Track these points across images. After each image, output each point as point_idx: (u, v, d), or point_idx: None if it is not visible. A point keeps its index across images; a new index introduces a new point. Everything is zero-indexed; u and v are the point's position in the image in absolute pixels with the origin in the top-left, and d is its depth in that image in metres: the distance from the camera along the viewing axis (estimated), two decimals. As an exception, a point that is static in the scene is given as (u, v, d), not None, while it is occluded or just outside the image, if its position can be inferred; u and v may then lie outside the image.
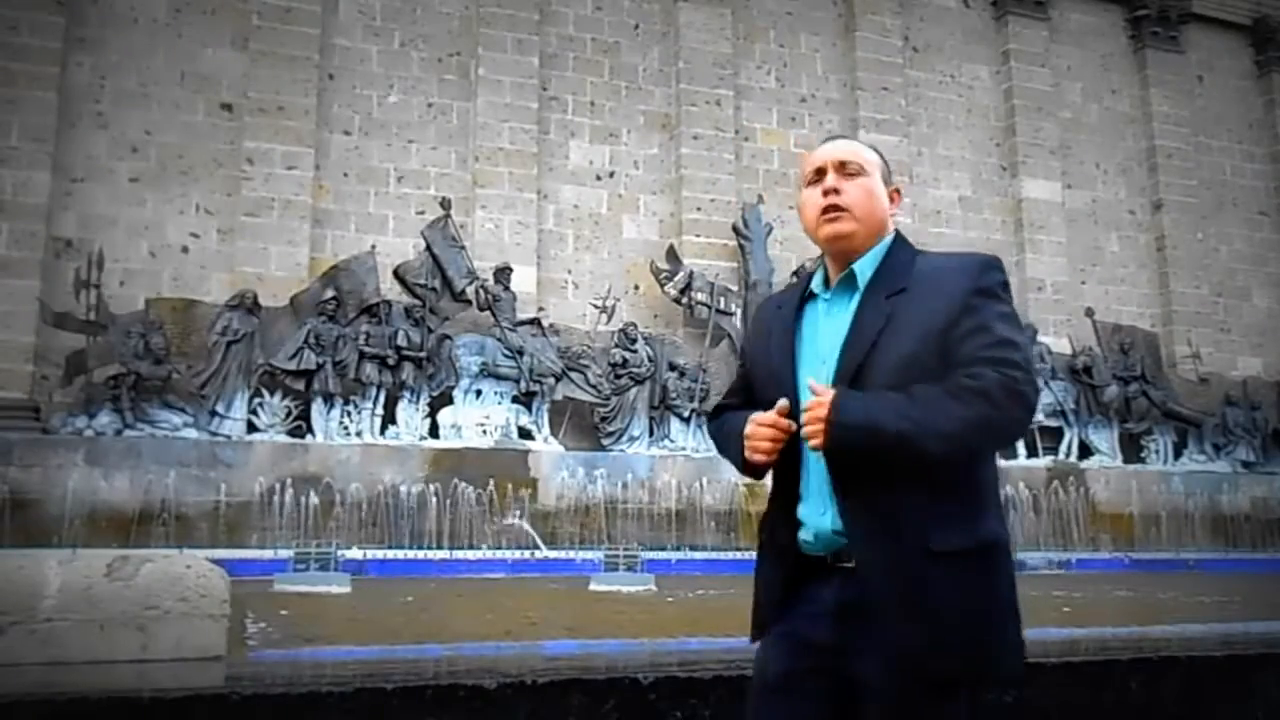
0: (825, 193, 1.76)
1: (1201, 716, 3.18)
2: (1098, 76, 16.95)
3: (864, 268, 1.76)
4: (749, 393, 1.85)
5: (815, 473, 1.70)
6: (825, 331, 1.75)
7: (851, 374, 1.66)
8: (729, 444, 1.80)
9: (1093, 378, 14.47)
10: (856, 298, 1.73)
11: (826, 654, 1.66)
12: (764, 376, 1.80)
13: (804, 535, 1.71)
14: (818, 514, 1.69)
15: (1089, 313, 15.08)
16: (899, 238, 1.80)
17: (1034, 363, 1.71)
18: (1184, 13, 17.23)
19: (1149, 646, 3.77)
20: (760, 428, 1.68)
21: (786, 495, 1.73)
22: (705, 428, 2.01)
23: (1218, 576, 10.63)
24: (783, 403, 1.67)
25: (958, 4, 16.29)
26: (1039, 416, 13.74)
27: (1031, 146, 15.96)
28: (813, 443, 1.59)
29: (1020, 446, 13.44)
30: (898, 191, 1.84)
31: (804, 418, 1.60)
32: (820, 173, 1.78)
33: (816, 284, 1.82)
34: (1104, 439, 14.24)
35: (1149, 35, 17.04)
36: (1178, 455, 14.86)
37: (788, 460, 1.72)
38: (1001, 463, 12.89)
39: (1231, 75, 17.86)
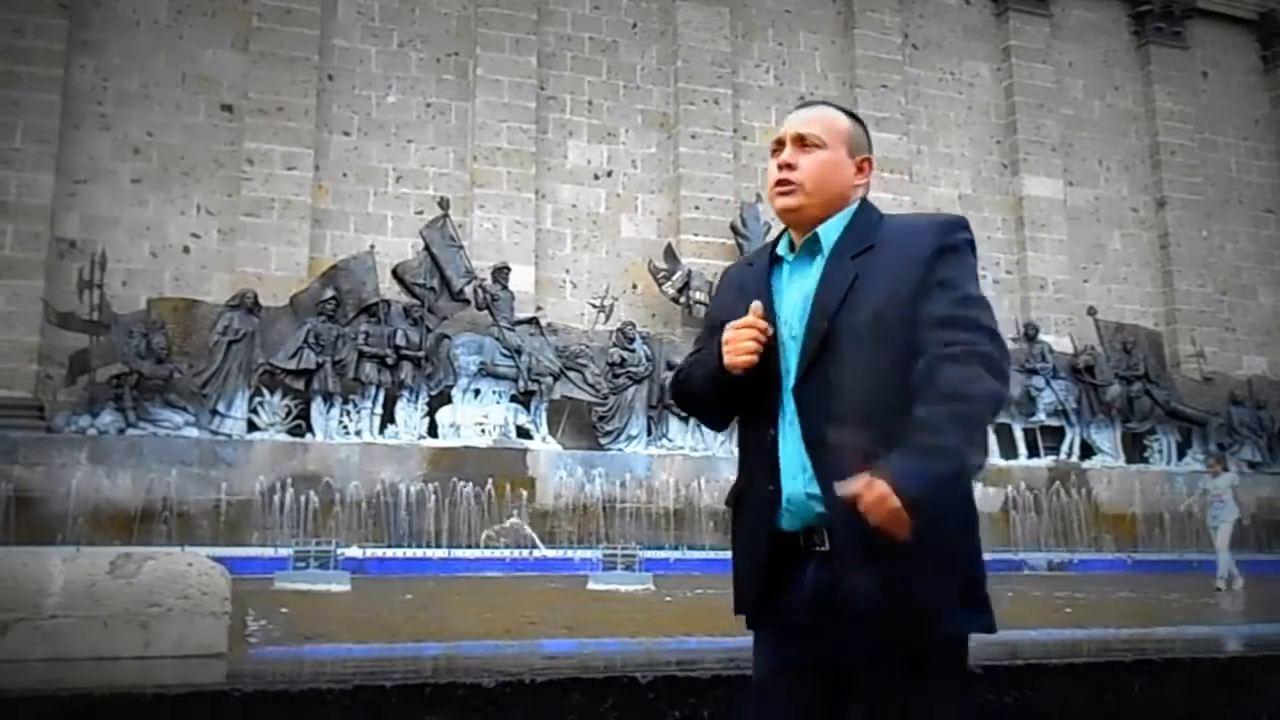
0: (780, 166, 1.77)
1: (1205, 719, 3.17)
2: (1100, 73, 16.93)
3: (828, 232, 1.75)
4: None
5: (789, 437, 1.67)
6: (788, 294, 1.74)
7: (821, 335, 1.65)
8: (696, 373, 1.78)
9: (1095, 377, 14.43)
10: (820, 261, 1.73)
11: (812, 646, 1.65)
12: None
13: (780, 506, 1.68)
14: (790, 478, 1.66)
15: (1091, 311, 15.05)
16: (864, 204, 1.79)
17: (993, 315, 1.75)
18: (1188, 8, 17.19)
19: (1152, 648, 3.77)
20: (739, 330, 1.66)
21: (765, 465, 1.70)
22: (672, 384, 1.97)
23: (1243, 576, 10.60)
24: (756, 304, 1.67)
25: (958, 0, 16.28)
26: (1040, 416, 13.75)
27: (1033, 144, 15.94)
28: (898, 533, 1.52)
29: (1021, 446, 13.43)
30: (868, 161, 1.81)
31: (869, 514, 1.52)
32: (780, 144, 1.78)
33: (782, 248, 1.81)
34: (1106, 439, 14.21)
35: (1152, 31, 17.01)
36: (1181, 455, 14.81)
37: (764, 430, 1.71)
38: (1002, 462, 12.99)
39: (1237, 71, 17.82)
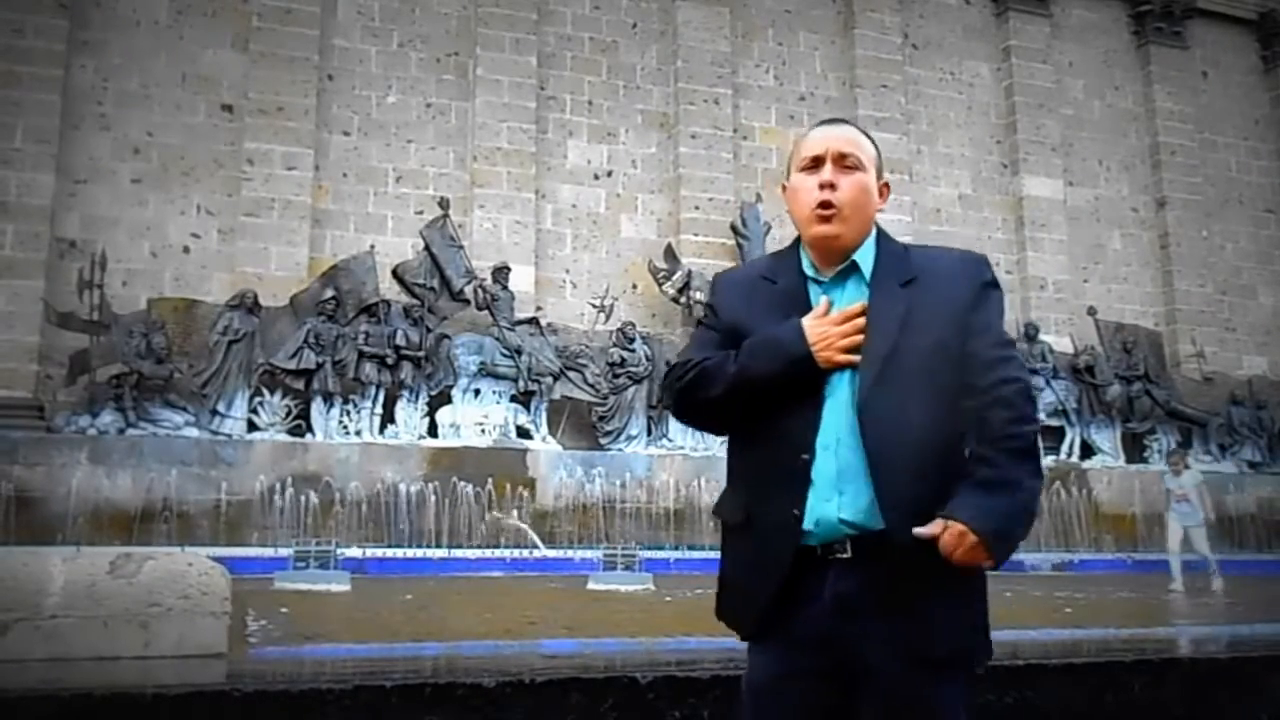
0: (822, 186, 1.73)
1: (1205, 719, 3.17)
2: (1100, 73, 16.92)
3: (863, 257, 1.77)
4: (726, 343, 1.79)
5: (828, 459, 1.67)
6: None
7: (881, 361, 1.66)
8: (758, 358, 1.69)
9: (1095, 377, 14.43)
10: (858, 282, 1.75)
11: (823, 652, 1.65)
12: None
13: (806, 525, 1.68)
14: (824, 500, 1.66)
15: (1091, 311, 15.04)
16: (881, 231, 1.81)
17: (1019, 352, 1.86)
18: (1188, 8, 17.18)
19: (1151, 648, 3.77)
20: (832, 326, 1.67)
21: (791, 487, 1.68)
22: (674, 385, 1.78)
23: (1223, 578, 10.60)
24: (825, 298, 1.72)
25: (958, 0, 16.27)
26: (1040, 416, 13.73)
27: (1033, 144, 15.94)
28: (985, 565, 1.63)
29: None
30: (887, 185, 1.83)
31: (949, 554, 1.59)
32: (818, 161, 1.75)
33: (808, 269, 1.80)
34: (1106, 439, 14.21)
35: (1152, 31, 17.00)
36: (1181, 455, 14.82)
37: (793, 452, 1.68)
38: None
39: (1237, 71, 17.81)
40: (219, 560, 3.41)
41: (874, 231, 1.79)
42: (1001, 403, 1.65)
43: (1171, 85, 16.98)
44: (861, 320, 1.68)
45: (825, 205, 1.72)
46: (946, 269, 1.76)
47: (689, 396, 1.78)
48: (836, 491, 1.65)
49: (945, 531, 1.59)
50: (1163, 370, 15.17)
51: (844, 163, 1.74)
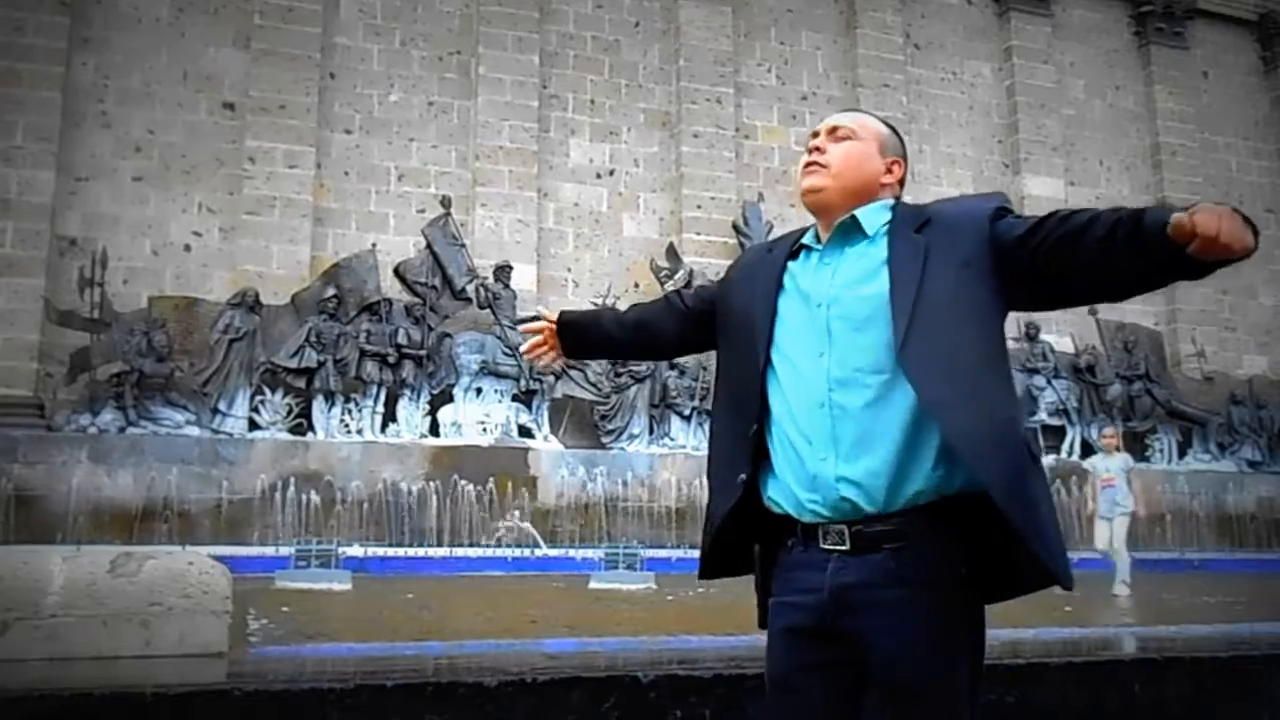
0: (810, 150, 1.83)
1: (1206, 718, 3.17)
2: (1101, 73, 16.91)
3: (869, 217, 1.76)
4: (703, 307, 1.99)
5: (820, 419, 1.65)
6: (819, 278, 1.74)
7: (912, 303, 1.64)
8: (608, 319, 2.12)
9: (1096, 376, 14.43)
10: (862, 241, 1.74)
11: (831, 644, 1.65)
12: (739, 317, 1.81)
13: (807, 495, 1.66)
14: (819, 459, 1.63)
15: (1092, 311, 14.99)
16: (901, 200, 1.84)
17: None
18: (1189, 8, 17.17)
19: (1152, 647, 3.77)
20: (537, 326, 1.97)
21: (743, 456, 1.72)
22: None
23: (1223, 577, 10.59)
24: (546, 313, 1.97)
25: (959, 0, 16.26)
26: (1041, 415, 13.73)
27: (1034, 143, 15.93)
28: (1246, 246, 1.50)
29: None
30: (898, 163, 1.85)
31: (1223, 234, 1.47)
32: (815, 137, 1.86)
33: (809, 238, 1.82)
34: (1107, 438, 14.19)
35: (1153, 31, 16.99)
36: (1182, 454, 14.82)
37: (749, 422, 1.71)
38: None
39: (1237, 71, 17.80)
40: (220, 559, 3.41)
41: (891, 201, 1.81)
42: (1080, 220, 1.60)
43: (1172, 85, 16.97)
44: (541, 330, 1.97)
45: (811, 163, 1.81)
46: (962, 206, 1.78)
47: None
48: (830, 446, 1.63)
49: (1194, 218, 1.46)
50: (1163, 370, 15.18)
51: (835, 134, 1.82)
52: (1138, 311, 16.01)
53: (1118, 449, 9.05)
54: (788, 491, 1.68)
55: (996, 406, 1.62)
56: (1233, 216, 1.48)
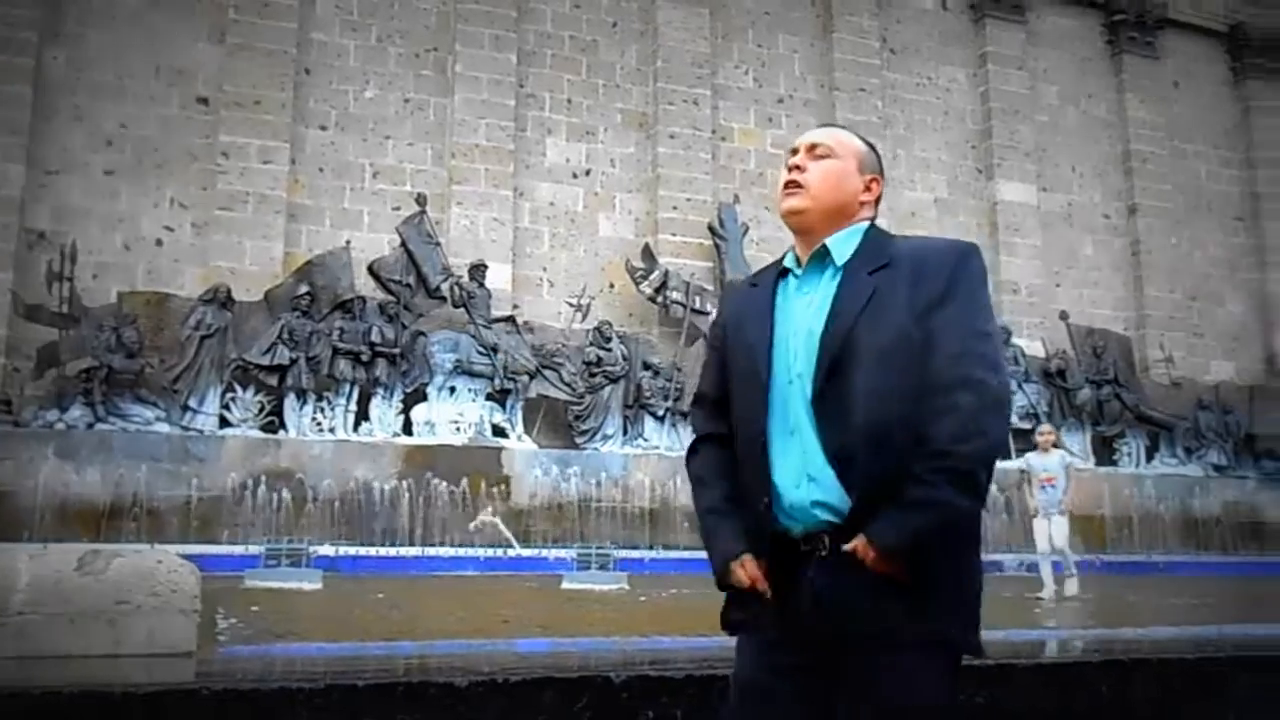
0: (790, 169, 1.84)
1: (1172, 719, 3.21)
2: (1074, 80, 17.12)
3: (839, 245, 1.78)
4: (724, 383, 1.84)
5: (789, 445, 1.70)
6: (798, 308, 1.77)
7: (838, 347, 1.66)
8: (708, 528, 1.82)
9: (1066, 381, 14.61)
10: (833, 274, 1.75)
11: (806, 648, 1.67)
12: (744, 366, 1.79)
13: (778, 512, 1.71)
14: (794, 487, 1.69)
15: (1063, 316, 15.24)
16: (875, 226, 1.84)
17: (1001, 351, 1.80)
18: (1160, 18, 17.42)
19: (1119, 648, 3.82)
20: (743, 575, 1.72)
21: (761, 476, 1.72)
22: (687, 452, 1.93)
23: (1188, 579, 10.76)
24: (764, 586, 1.71)
25: (935, 6, 16.40)
26: (1013, 419, 13.88)
27: (1007, 149, 16.09)
28: (894, 573, 1.62)
29: (993, 447, 13.52)
30: (876, 180, 1.86)
31: (868, 564, 1.62)
32: (794, 154, 1.86)
33: (789, 261, 1.84)
34: (1077, 442, 14.37)
35: (1126, 40, 17.22)
36: (1149, 458, 15.04)
37: (755, 442, 1.73)
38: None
39: (1207, 81, 18.09)
40: (189, 558, 3.38)
41: (864, 226, 1.82)
42: (951, 411, 1.61)
43: (1143, 94, 17.21)
44: (756, 583, 1.71)
45: (789, 183, 1.82)
46: (926, 256, 1.74)
47: (694, 491, 1.92)
48: (805, 478, 1.68)
49: (862, 544, 1.61)
50: (1132, 375, 15.39)
51: (814, 152, 1.83)
52: (1107, 317, 16.23)
53: (1055, 446, 8.83)
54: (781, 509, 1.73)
55: (905, 456, 1.63)
56: (874, 562, 1.61)
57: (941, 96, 16.13)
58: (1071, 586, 7.98)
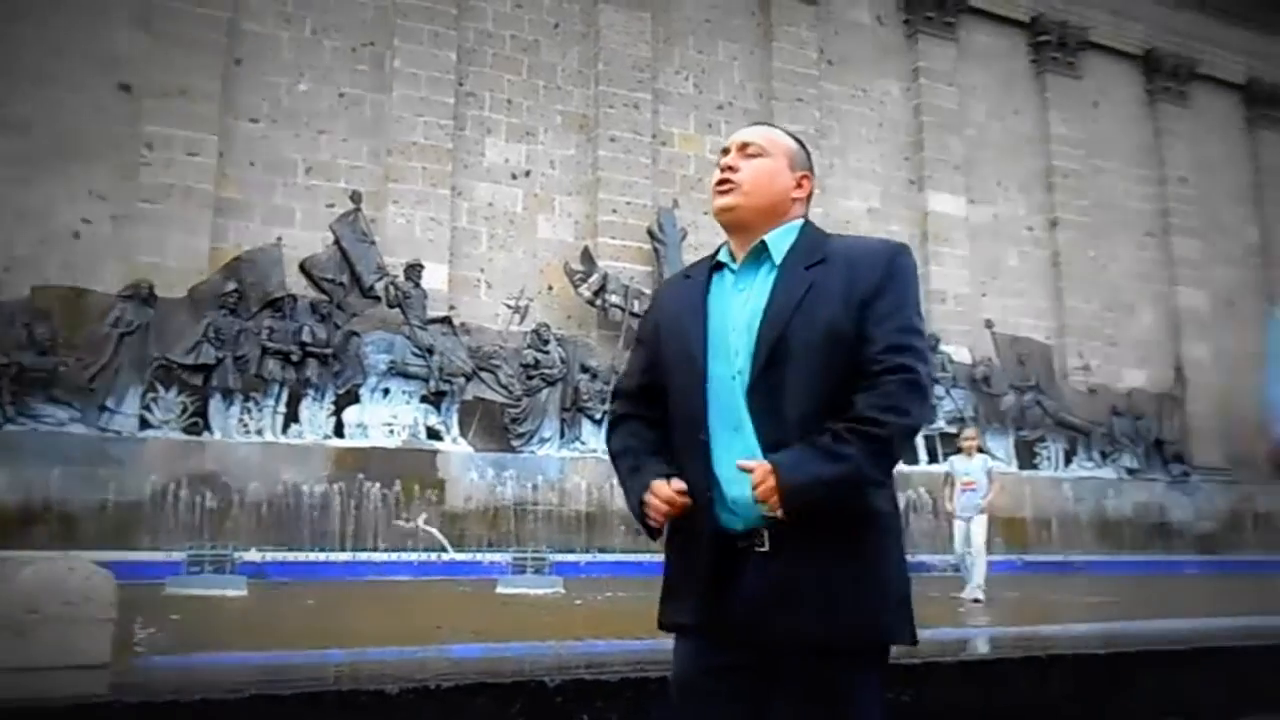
0: (723, 168, 1.86)
1: (1086, 712, 3.32)
2: (1001, 97, 17.64)
3: (776, 241, 1.80)
4: (653, 373, 1.86)
5: (731, 441, 1.71)
6: (735, 304, 1.78)
7: (774, 341, 1.69)
8: (626, 483, 1.83)
9: (991, 387, 15.08)
10: (770, 269, 1.78)
11: (743, 645, 1.68)
12: (677, 357, 1.80)
13: (720, 509, 1.72)
14: (735, 481, 1.70)
15: (989, 324, 15.72)
16: (809, 222, 1.87)
17: (928, 345, 1.89)
18: (1082, 40, 18.09)
19: (1039, 646, 3.93)
20: (658, 501, 1.72)
21: (705, 471, 1.73)
22: (606, 432, 1.95)
23: (1103, 578, 11.17)
24: (679, 484, 1.72)
25: (871, 20, 16.73)
26: (940, 423, 14.25)
27: (938, 162, 16.50)
28: (771, 505, 1.64)
29: (922, 452, 13.87)
30: (807, 178, 1.89)
31: (756, 492, 1.64)
32: (726, 153, 1.89)
33: (724, 256, 1.86)
34: (1001, 446, 14.82)
35: (1049, 60, 17.83)
36: (1068, 462, 15.62)
37: (695, 436, 1.74)
38: (903, 468, 13.38)
39: (1124, 102, 18.82)
40: (105, 565, 3.26)
41: (799, 223, 1.85)
42: (880, 390, 1.65)
43: (1065, 112, 17.83)
44: (673, 500, 1.71)
45: (722, 180, 1.84)
46: (860, 254, 1.78)
47: (615, 467, 1.92)
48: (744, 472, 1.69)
49: (760, 468, 1.64)
50: (1052, 381, 15.95)
51: (746, 150, 1.85)
52: (1030, 326, 16.75)
53: (979, 450, 8.79)
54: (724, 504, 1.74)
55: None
56: (764, 489, 1.64)
57: (876, 108, 16.46)
58: (975, 592, 7.93)
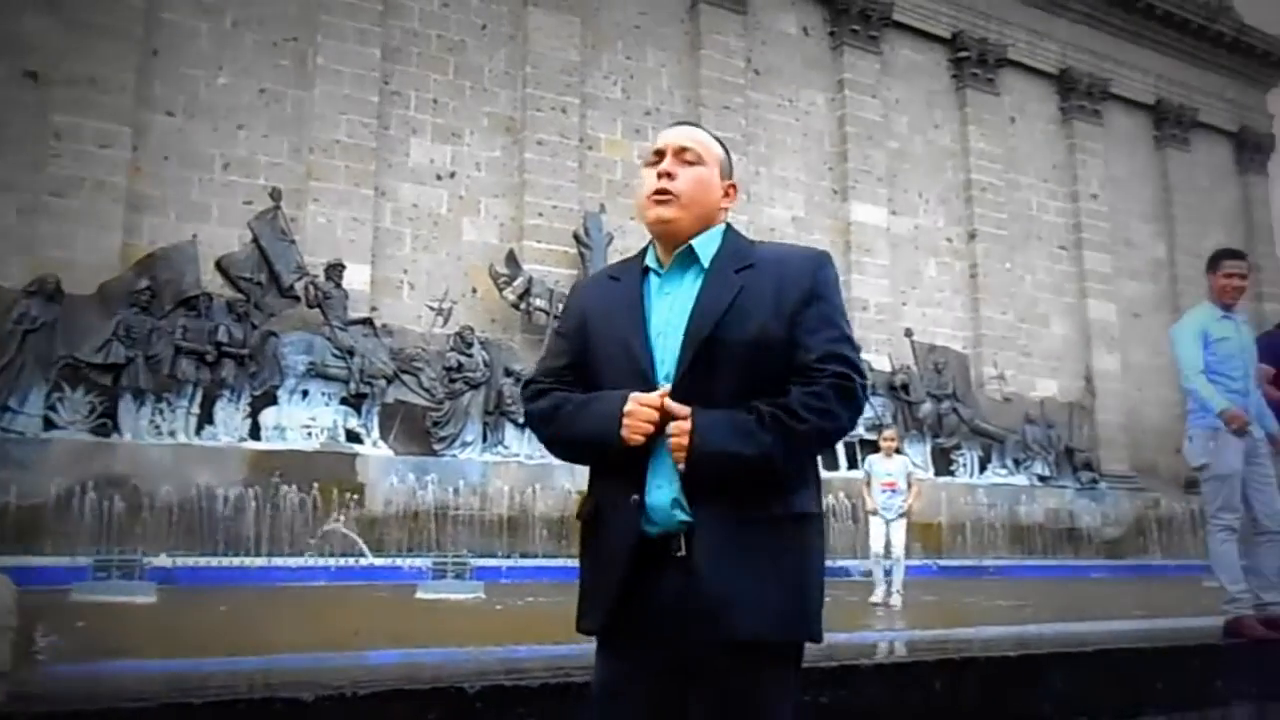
0: (659, 175, 1.82)
1: (997, 713, 3.44)
2: (922, 111, 18.15)
3: (703, 246, 1.82)
4: (579, 370, 1.83)
5: (662, 448, 1.71)
6: (660, 307, 1.80)
7: (700, 344, 1.70)
8: (584, 420, 1.75)
9: (909, 394, 15.48)
10: (697, 273, 1.80)
11: (662, 649, 1.70)
12: (612, 350, 1.79)
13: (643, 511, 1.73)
14: (656, 488, 1.71)
15: (908, 333, 16.15)
16: (731, 227, 1.89)
17: (859, 352, 1.92)
18: (1000, 58, 18.75)
19: (952, 648, 4.05)
20: (643, 408, 1.68)
21: (633, 474, 1.73)
22: (528, 407, 1.86)
23: (1015, 581, 11.53)
24: (666, 387, 1.71)
25: (798, 32, 17.04)
26: (859, 430, 14.54)
27: (861, 172, 16.88)
28: (676, 456, 1.66)
29: (842, 458, 14.15)
30: (734, 187, 1.92)
31: (670, 438, 1.66)
32: (660, 155, 1.84)
33: (650, 261, 1.86)
34: (918, 452, 15.21)
35: (969, 76, 18.43)
36: (982, 469, 16.12)
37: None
38: (823, 474, 13.62)
39: (1039, 119, 19.55)
40: (4, 570, 3.13)
41: (723, 227, 1.86)
42: (815, 390, 1.69)
43: (984, 127, 18.45)
44: (664, 401, 1.68)
45: (661, 191, 1.82)
46: (784, 261, 1.80)
47: (539, 432, 1.87)
48: (666, 479, 1.71)
49: (684, 417, 1.66)
50: (969, 390, 16.45)
51: (683, 156, 1.84)
52: (948, 335, 17.26)
53: (898, 451, 8.69)
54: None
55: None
56: (678, 440, 1.68)
57: (801, 118, 16.76)
58: (894, 598, 7.90)
